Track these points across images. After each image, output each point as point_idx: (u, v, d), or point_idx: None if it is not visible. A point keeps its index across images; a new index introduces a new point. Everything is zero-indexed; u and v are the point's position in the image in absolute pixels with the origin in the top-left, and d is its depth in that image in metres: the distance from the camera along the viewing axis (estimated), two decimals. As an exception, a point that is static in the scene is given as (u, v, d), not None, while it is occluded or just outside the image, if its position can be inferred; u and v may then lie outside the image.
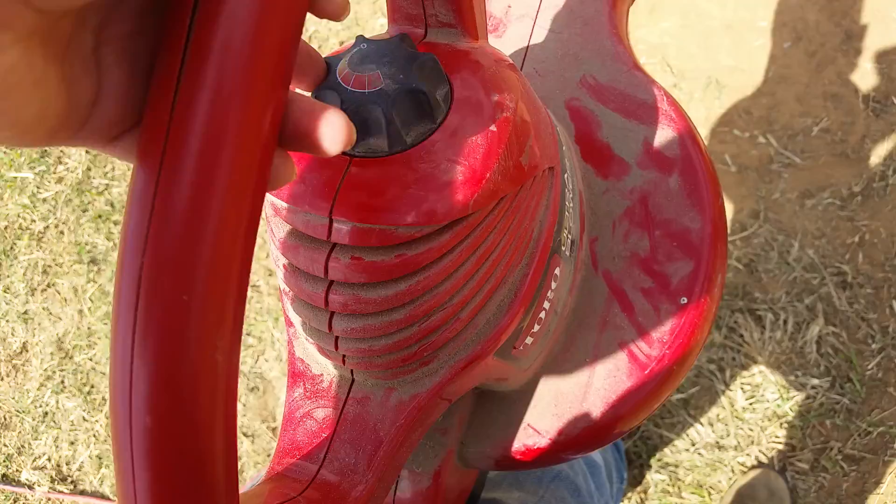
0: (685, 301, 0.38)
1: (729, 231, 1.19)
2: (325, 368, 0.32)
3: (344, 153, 0.26)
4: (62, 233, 1.30)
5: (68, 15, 0.17)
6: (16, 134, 0.17)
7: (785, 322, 1.06)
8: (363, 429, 0.30)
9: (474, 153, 0.26)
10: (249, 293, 1.22)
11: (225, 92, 0.16)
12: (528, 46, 0.45)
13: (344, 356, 0.29)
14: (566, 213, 0.35)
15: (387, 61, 0.26)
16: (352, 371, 0.31)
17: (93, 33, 0.18)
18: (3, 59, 0.15)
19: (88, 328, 1.24)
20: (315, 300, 0.27)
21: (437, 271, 0.27)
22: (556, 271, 0.35)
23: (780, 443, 1.03)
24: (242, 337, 1.19)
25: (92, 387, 1.21)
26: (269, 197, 0.27)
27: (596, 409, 0.39)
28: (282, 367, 1.17)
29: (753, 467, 1.02)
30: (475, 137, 0.26)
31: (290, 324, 0.33)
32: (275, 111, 0.18)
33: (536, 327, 0.35)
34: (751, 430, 1.04)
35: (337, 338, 0.28)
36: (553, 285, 0.35)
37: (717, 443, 1.05)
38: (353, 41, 0.27)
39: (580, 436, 0.39)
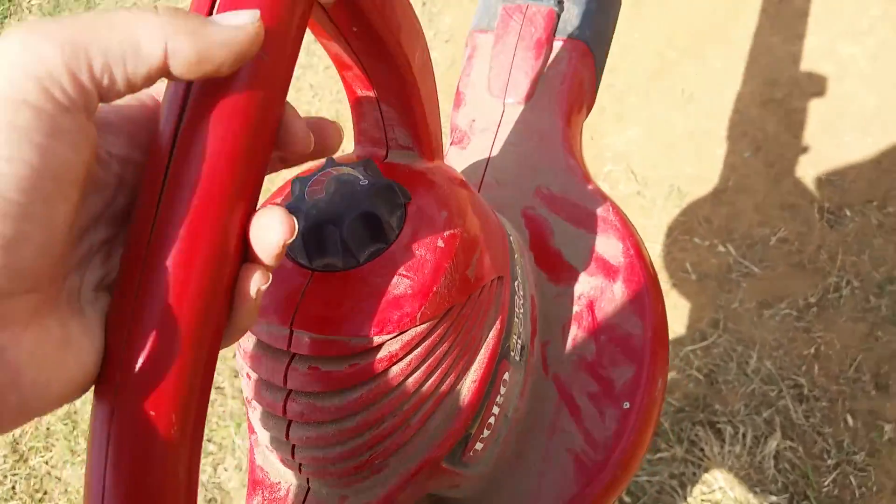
0: (627, 406, 0.40)
1: (689, 340, 1.21)
2: (283, 476, 0.33)
3: (306, 267, 0.29)
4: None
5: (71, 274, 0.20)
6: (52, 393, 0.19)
7: (744, 436, 1.08)
8: None
9: (422, 268, 0.29)
10: (213, 396, 1.20)
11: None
12: (489, 158, 0.48)
13: (300, 464, 0.31)
14: (516, 318, 0.37)
15: (348, 186, 0.28)
16: (308, 479, 0.32)
17: (93, 290, 0.20)
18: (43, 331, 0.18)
19: (47, 429, 1.20)
20: (274, 409, 0.29)
21: (387, 379, 0.29)
22: (506, 376, 0.36)
23: (739, 557, 1.05)
24: (203, 443, 1.17)
25: (45, 493, 1.17)
26: None
27: None
28: (241, 477, 1.15)
29: (713, 582, 1.03)
30: (424, 253, 0.29)
31: (252, 430, 0.35)
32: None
33: (486, 433, 0.36)
34: (711, 543, 1.06)
35: (294, 446, 0.30)
36: (502, 390, 0.36)
37: (679, 555, 1.06)
38: (323, 161, 0.31)
39: None
